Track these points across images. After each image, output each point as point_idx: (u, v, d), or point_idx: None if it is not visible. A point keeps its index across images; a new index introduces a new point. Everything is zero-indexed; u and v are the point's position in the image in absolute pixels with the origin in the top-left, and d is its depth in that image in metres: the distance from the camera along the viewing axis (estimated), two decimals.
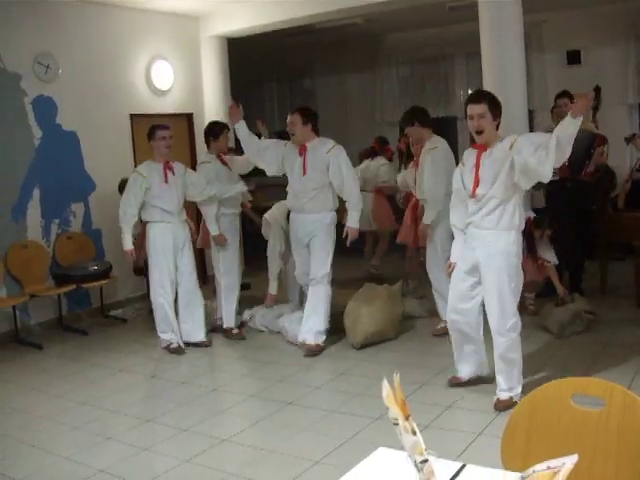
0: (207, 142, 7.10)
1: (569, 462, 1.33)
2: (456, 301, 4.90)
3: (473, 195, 4.62)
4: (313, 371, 5.96)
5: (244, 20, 9.36)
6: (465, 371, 5.14)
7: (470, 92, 11.27)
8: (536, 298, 7.01)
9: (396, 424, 1.68)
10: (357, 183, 6.43)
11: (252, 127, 6.59)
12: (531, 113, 8.85)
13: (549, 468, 1.32)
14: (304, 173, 6.26)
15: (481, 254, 4.66)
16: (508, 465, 2.19)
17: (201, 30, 9.82)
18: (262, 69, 12.67)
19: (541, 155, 4.24)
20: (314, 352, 6.27)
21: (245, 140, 6.43)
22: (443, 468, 1.94)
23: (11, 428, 5.08)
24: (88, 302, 8.27)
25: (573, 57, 10.60)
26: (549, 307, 6.54)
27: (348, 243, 6.30)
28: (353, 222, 6.31)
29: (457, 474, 1.97)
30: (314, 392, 5.43)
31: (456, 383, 5.16)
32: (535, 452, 2.19)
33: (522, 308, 6.69)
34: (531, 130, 8.01)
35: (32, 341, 7.25)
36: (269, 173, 6.58)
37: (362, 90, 12.55)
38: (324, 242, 6.35)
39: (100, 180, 8.33)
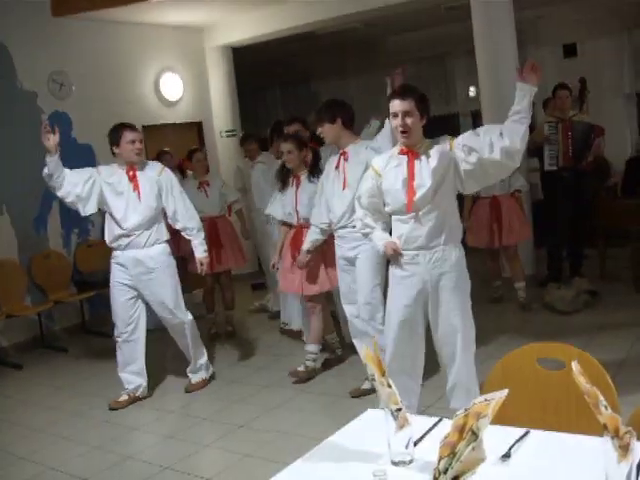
0: (270, 141, 6.97)
1: (499, 395, 1.65)
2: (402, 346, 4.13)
3: (409, 209, 3.93)
4: None
5: (247, 30, 9.74)
6: None
7: (471, 89, 11.67)
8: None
9: (373, 379, 2.02)
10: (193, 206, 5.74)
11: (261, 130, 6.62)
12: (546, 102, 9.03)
13: (485, 400, 1.63)
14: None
15: (432, 275, 4.00)
16: None
17: (206, 41, 10.21)
18: (267, 75, 12.97)
19: (505, 146, 3.72)
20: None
21: (56, 176, 5.32)
22: (421, 422, 2.27)
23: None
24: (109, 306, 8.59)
25: (569, 50, 10.91)
26: (551, 287, 7.01)
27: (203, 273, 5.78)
28: (202, 251, 5.69)
29: (434, 426, 2.29)
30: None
31: None
32: (508, 410, 2.50)
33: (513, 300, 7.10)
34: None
35: (57, 345, 7.64)
36: (86, 212, 5.62)
37: (365, 92, 12.83)
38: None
39: None
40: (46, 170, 5.27)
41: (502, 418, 2.37)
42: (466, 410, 1.62)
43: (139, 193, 5.46)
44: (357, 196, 4.31)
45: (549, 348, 2.55)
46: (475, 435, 1.55)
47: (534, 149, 7.30)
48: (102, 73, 8.72)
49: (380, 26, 10.66)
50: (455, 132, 4.42)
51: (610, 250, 7.81)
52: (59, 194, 5.46)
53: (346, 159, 4.99)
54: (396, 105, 3.88)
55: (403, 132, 3.89)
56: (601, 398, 1.71)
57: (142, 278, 5.53)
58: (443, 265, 3.99)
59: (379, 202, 4.11)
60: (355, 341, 5.26)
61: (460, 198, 6.02)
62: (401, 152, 4.00)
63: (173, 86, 9.75)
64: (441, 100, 12.48)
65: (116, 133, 5.56)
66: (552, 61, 11.01)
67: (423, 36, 11.70)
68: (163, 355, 6.56)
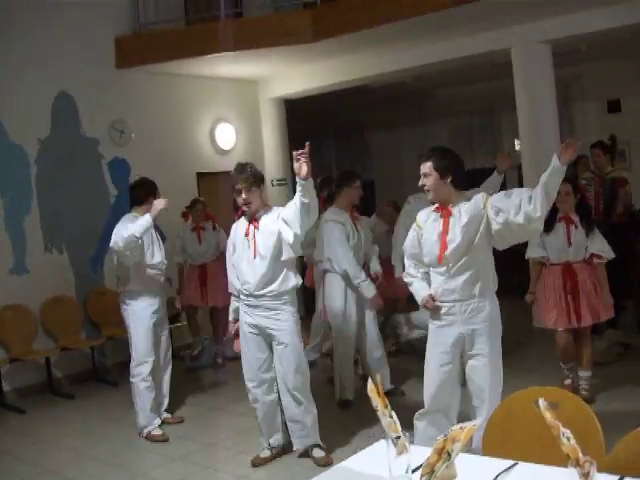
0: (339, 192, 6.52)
1: (472, 424, 1.93)
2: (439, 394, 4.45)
3: (440, 262, 4.27)
4: None
5: (299, 83, 10.22)
6: None
7: (516, 142, 11.90)
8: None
9: (377, 410, 2.31)
10: None
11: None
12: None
13: (460, 428, 1.91)
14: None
15: (467, 325, 4.30)
16: (486, 453, 2.79)
17: (260, 93, 10.71)
18: (321, 125, 13.39)
19: (527, 211, 3.94)
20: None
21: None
22: (421, 452, 2.54)
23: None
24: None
25: (613, 106, 11.15)
26: None
27: None
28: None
29: None
30: None
31: None
32: (509, 444, 2.78)
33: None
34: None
35: (108, 379, 8.00)
36: (136, 261, 5.87)
37: (416, 142, 13.15)
38: None
39: (169, 233, 9.05)
40: (137, 234, 5.64)
41: (502, 451, 2.68)
42: (445, 436, 1.90)
43: (160, 240, 6.29)
44: (404, 245, 4.63)
45: (547, 392, 2.80)
46: (449, 455, 1.84)
47: None
48: (160, 122, 9.25)
49: (427, 80, 11.01)
50: (501, 186, 4.61)
51: None
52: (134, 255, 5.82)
53: (257, 227, 4.99)
54: (422, 167, 4.32)
55: (428, 191, 4.31)
56: (563, 430, 1.98)
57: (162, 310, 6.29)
58: (477, 316, 4.28)
59: (419, 253, 4.44)
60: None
61: (524, 264, 5.99)
62: (436, 209, 4.36)
63: (227, 136, 10.24)
64: (488, 153, 12.75)
65: (155, 189, 6.33)
66: (596, 116, 11.29)
67: (471, 90, 12.03)
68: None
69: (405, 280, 4.65)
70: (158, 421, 6.12)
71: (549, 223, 5.46)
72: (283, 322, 4.98)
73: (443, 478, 1.83)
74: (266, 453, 5.23)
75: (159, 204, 5.76)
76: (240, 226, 5.10)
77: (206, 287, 8.32)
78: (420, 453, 2.45)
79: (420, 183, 4.33)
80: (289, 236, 4.76)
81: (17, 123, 7.74)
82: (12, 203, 7.75)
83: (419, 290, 4.48)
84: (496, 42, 8.33)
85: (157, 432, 6.01)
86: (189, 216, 8.41)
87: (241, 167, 4.98)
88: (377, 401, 2.33)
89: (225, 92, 10.21)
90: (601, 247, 5.75)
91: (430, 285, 4.44)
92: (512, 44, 8.24)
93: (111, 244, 5.75)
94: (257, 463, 5.16)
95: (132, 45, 8.64)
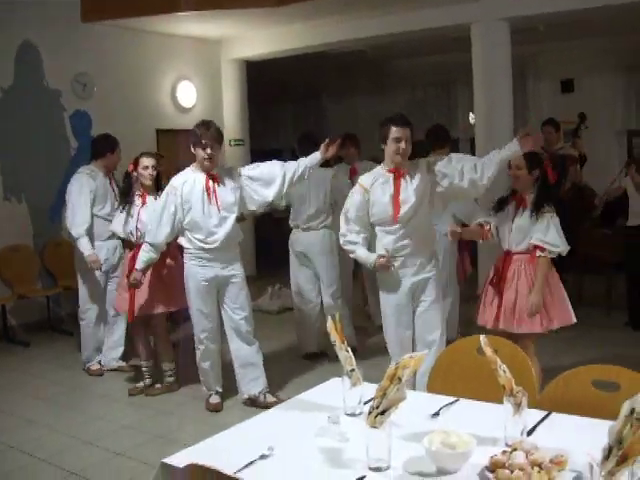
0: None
1: (420, 354, 2.17)
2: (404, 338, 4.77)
3: (395, 221, 4.51)
4: None
5: (261, 45, 10.35)
6: None
7: (471, 116, 12.16)
8: None
9: (334, 345, 2.55)
10: None
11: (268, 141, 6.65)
12: None
13: (411, 357, 2.15)
14: None
15: (418, 277, 4.63)
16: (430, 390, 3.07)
17: (222, 53, 10.81)
18: (279, 89, 13.49)
19: (474, 178, 4.37)
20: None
21: None
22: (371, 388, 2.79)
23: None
24: None
25: (567, 86, 11.46)
26: None
27: None
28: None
29: None
30: None
31: None
32: (451, 386, 3.04)
33: None
34: None
35: (63, 328, 8.15)
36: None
37: (370, 111, 13.31)
38: None
39: None
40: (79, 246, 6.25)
41: (444, 391, 2.95)
42: (397, 364, 2.14)
43: (115, 192, 6.63)
44: (344, 211, 4.72)
45: (492, 340, 3.07)
46: (399, 380, 2.07)
47: None
48: (123, 77, 9.31)
49: (385, 50, 11.17)
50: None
51: (589, 276, 8.26)
52: None
53: (218, 183, 5.12)
54: (400, 132, 4.39)
55: (402, 155, 4.45)
56: (500, 364, 2.24)
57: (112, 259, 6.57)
58: (426, 267, 4.66)
59: (365, 215, 4.63)
60: None
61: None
62: (389, 171, 4.56)
63: (188, 94, 10.36)
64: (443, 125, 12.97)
65: (116, 146, 6.81)
66: (549, 95, 11.58)
67: (428, 62, 12.21)
68: None
69: (345, 248, 4.78)
70: (98, 359, 6.56)
71: (501, 203, 4.76)
72: (237, 270, 5.30)
73: (394, 400, 2.06)
74: (216, 399, 5.48)
75: (91, 260, 6.16)
76: (192, 181, 5.10)
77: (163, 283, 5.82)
78: (372, 388, 2.71)
79: (401, 147, 4.39)
80: (269, 193, 5.15)
81: None
82: None
83: (367, 256, 4.62)
84: (456, 17, 8.53)
85: (95, 367, 6.55)
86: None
87: (207, 123, 5.12)
88: (335, 337, 2.57)
89: (188, 51, 10.32)
90: (542, 237, 4.52)
91: (369, 249, 4.67)
92: (472, 19, 8.46)
93: (70, 231, 6.27)
94: (212, 408, 5.40)
95: None
